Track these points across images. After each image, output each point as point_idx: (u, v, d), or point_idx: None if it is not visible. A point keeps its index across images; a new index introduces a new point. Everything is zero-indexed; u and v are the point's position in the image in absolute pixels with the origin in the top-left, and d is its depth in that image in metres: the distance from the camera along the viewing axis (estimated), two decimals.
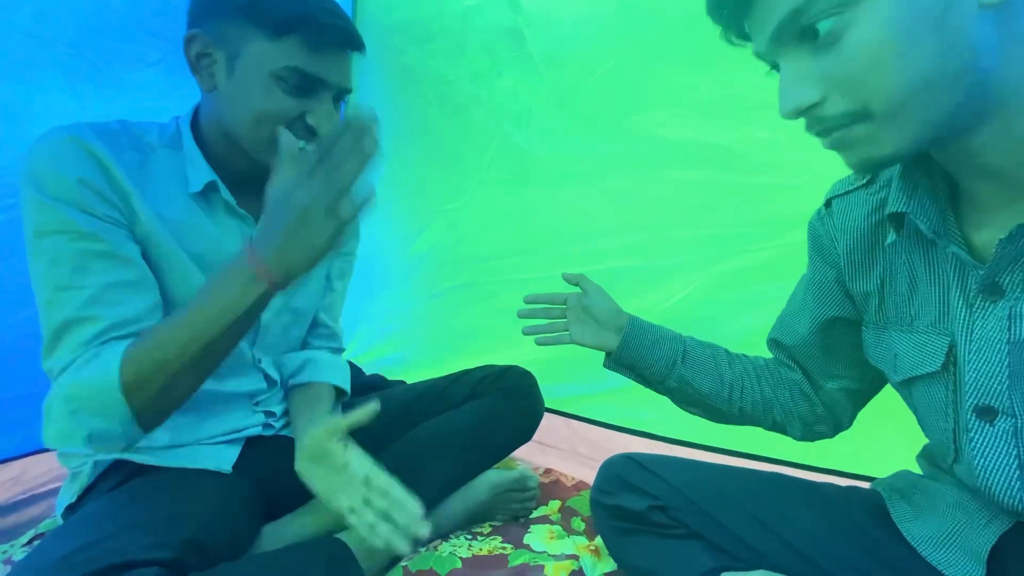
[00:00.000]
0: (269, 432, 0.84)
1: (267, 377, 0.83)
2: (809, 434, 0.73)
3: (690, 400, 0.76)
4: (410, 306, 1.46)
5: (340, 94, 0.73)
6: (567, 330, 0.78)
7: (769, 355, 0.77)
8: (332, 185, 0.56)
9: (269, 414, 0.84)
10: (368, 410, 0.69)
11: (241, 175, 0.75)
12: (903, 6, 0.38)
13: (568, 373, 1.14)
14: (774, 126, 0.94)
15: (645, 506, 0.70)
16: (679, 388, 0.75)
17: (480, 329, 1.33)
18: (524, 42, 1.16)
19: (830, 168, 0.94)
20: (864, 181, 0.59)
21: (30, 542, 0.91)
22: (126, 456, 0.72)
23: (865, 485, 0.70)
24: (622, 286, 1.09)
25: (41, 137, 0.64)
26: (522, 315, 0.81)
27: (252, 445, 0.81)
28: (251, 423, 0.82)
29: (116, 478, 0.72)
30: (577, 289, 0.80)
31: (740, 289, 0.97)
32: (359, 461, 0.70)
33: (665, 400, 0.79)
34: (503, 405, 0.95)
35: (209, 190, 0.74)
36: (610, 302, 0.78)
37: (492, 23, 1.19)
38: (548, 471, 1.21)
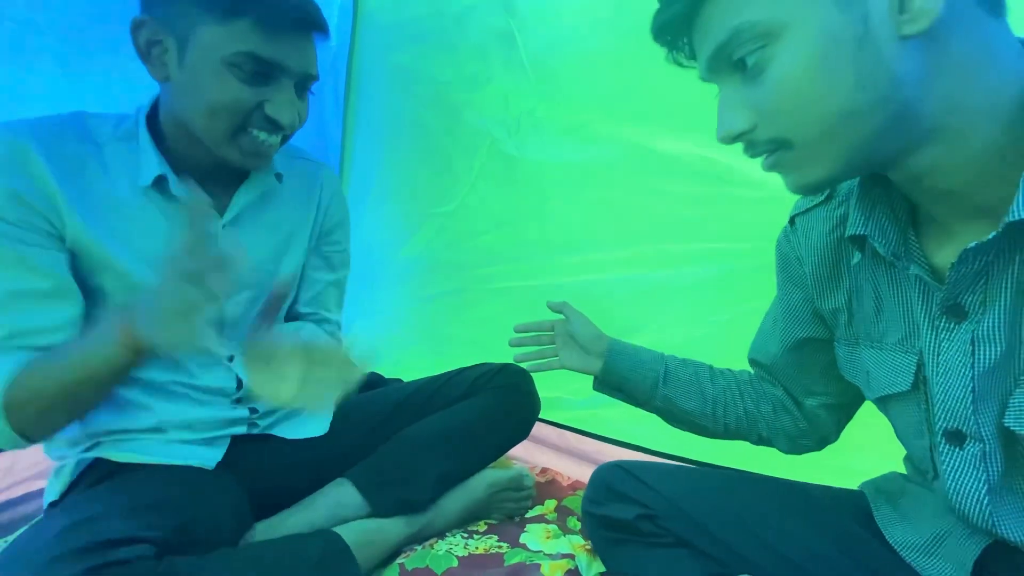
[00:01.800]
0: (255, 431, 0.83)
1: (239, 378, 0.81)
2: (795, 448, 0.74)
3: (677, 418, 0.78)
4: (400, 310, 1.46)
5: (303, 81, 0.70)
6: (556, 355, 0.81)
7: None
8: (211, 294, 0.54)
9: (253, 411, 0.83)
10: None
11: (203, 167, 0.72)
12: (820, 41, 0.40)
13: (561, 385, 1.15)
14: None
15: (633, 515, 0.71)
16: (665, 407, 0.77)
17: (468, 337, 1.33)
18: (515, 45, 1.16)
19: None
20: (823, 197, 0.58)
21: None
22: (107, 454, 0.71)
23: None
24: (614, 299, 1.11)
25: None
26: (513, 343, 0.84)
27: (239, 444, 0.80)
28: (234, 416, 0.81)
29: (98, 474, 0.71)
30: (562, 316, 0.82)
31: (733, 303, 0.97)
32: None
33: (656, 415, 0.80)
34: (500, 403, 0.96)
35: (160, 184, 0.70)
36: (592, 328, 0.80)
37: (485, 25, 1.18)
38: (544, 470, 1.22)
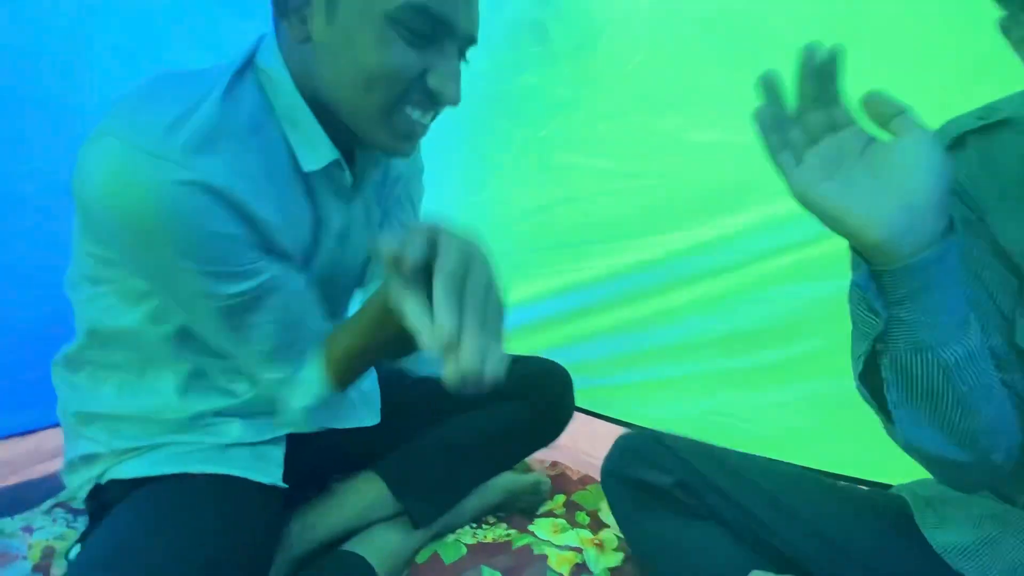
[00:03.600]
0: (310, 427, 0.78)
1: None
2: None
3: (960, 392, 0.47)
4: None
5: (466, 46, 0.58)
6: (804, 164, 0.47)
7: None
8: None
9: None
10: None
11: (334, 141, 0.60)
12: None
13: (576, 366, 1.14)
14: None
15: (672, 481, 0.68)
16: (962, 363, 0.45)
17: None
18: (548, 37, 1.16)
19: None
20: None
21: (50, 510, 0.92)
22: (159, 469, 0.66)
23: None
24: (645, 286, 1.10)
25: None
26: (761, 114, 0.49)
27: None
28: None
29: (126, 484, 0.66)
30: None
31: (767, 292, 0.96)
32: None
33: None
34: (542, 412, 0.91)
35: (330, 169, 0.60)
36: (936, 166, 0.42)
37: (518, 15, 1.18)
38: (554, 463, 1.21)
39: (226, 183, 0.51)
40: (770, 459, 0.75)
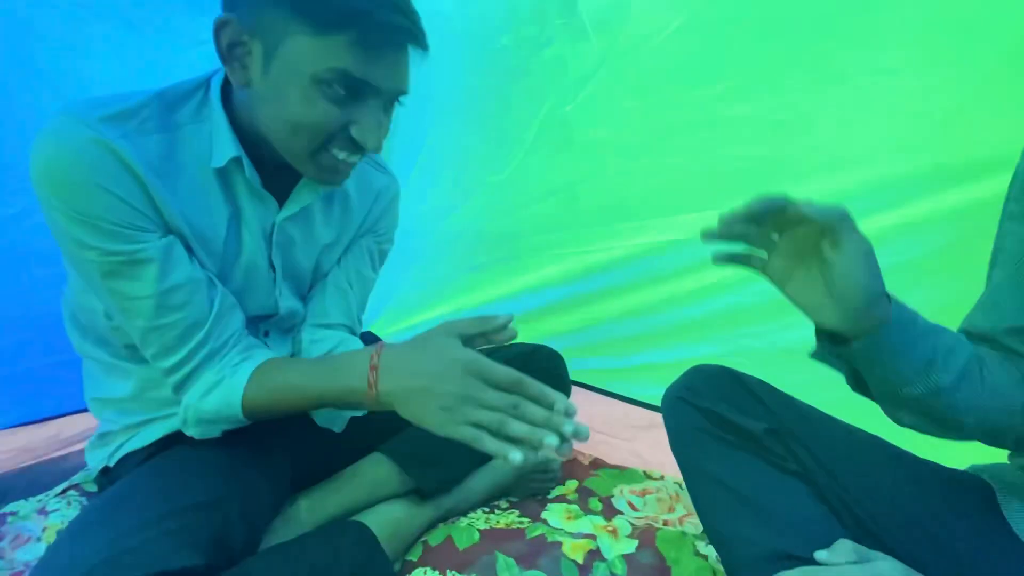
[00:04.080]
0: None
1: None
2: None
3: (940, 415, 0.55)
4: (447, 279, 1.45)
5: (393, 98, 0.65)
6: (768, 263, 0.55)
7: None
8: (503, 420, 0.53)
9: None
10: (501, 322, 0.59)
11: (268, 160, 0.68)
12: None
13: (593, 348, 1.12)
14: (843, 102, 0.88)
15: (763, 428, 0.65)
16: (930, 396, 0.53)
17: (516, 303, 1.32)
18: (576, 8, 1.11)
19: (903, 144, 0.87)
20: None
21: (64, 492, 0.94)
22: (154, 434, 0.72)
23: None
24: (670, 265, 1.07)
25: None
26: (705, 237, 0.53)
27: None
28: None
29: (139, 456, 0.72)
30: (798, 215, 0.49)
31: None
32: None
33: None
34: None
35: (232, 166, 0.67)
36: (866, 275, 0.49)
37: None
38: None
39: (128, 153, 0.58)
40: (849, 426, 0.69)
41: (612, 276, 1.16)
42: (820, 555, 0.55)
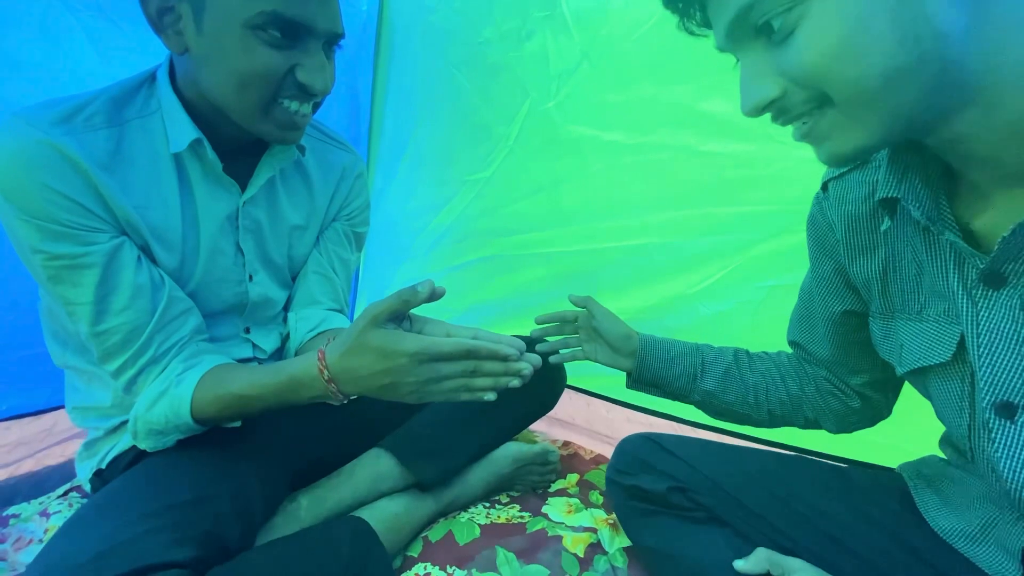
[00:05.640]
0: None
1: (255, 346, 0.82)
2: (844, 427, 0.71)
3: (718, 411, 0.76)
4: (433, 277, 1.46)
5: (331, 40, 0.65)
6: (581, 347, 0.79)
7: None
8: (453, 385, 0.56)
9: None
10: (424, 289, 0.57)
11: (224, 140, 0.68)
12: None
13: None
14: None
15: (665, 487, 0.70)
16: (704, 401, 0.74)
17: (503, 302, 1.32)
18: (558, 1, 1.10)
19: None
20: (858, 162, 0.55)
21: (65, 494, 0.95)
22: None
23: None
24: (655, 265, 1.07)
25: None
26: (535, 334, 0.82)
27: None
28: None
29: (128, 456, 0.72)
30: (584, 311, 0.79)
31: (781, 271, 0.92)
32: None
33: None
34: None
35: (193, 150, 0.67)
36: (620, 326, 0.77)
37: None
38: (567, 443, 1.21)
39: (74, 150, 0.59)
40: (772, 451, 0.75)
41: (598, 276, 1.16)
42: (738, 564, 0.61)
